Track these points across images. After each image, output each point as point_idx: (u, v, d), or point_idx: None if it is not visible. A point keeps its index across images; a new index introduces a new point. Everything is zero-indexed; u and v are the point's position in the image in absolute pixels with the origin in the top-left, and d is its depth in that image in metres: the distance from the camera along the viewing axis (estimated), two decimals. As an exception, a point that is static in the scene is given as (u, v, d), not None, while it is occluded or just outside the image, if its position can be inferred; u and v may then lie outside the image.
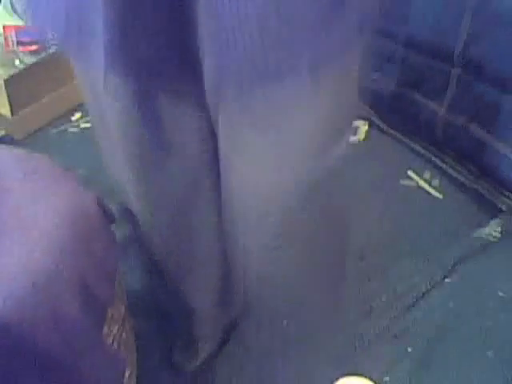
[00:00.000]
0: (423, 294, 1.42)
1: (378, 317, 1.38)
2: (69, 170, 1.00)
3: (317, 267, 1.01)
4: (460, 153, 1.78)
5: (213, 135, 0.89)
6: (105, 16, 0.70)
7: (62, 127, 1.98)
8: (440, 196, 1.68)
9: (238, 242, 0.98)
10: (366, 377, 1.21)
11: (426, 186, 1.71)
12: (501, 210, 1.61)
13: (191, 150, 0.92)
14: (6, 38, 2.03)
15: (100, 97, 0.87)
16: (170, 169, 0.93)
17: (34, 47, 2.04)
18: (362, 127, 1.91)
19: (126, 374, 1.05)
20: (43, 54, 1.99)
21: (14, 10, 2.11)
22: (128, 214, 1.05)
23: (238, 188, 0.91)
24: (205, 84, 0.78)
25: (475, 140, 1.64)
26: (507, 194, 1.65)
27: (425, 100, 1.75)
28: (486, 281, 1.44)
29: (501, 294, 1.41)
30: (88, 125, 1.99)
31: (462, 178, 1.72)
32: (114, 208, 1.02)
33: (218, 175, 0.93)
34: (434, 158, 1.79)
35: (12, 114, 1.88)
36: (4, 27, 2.03)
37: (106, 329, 0.96)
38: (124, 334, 1.06)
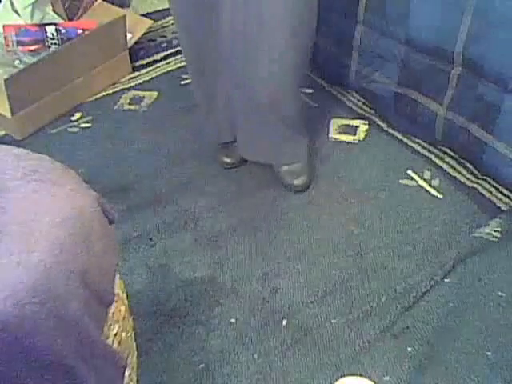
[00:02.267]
0: (423, 293, 1.42)
1: (378, 317, 1.38)
2: (69, 168, 1.00)
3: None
4: (460, 153, 1.78)
5: None
6: None
7: (62, 127, 1.98)
8: (440, 196, 1.68)
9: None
10: (365, 377, 1.21)
11: (426, 186, 1.71)
12: (501, 210, 1.62)
13: None
14: (5, 38, 2.03)
15: None
16: None
17: (33, 47, 2.04)
18: (362, 127, 1.92)
19: (126, 374, 1.05)
20: (43, 54, 1.99)
21: (14, 10, 2.11)
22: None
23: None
24: None
25: (475, 140, 1.64)
26: (507, 193, 1.66)
27: (425, 100, 1.75)
28: (486, 281, 1.44)
29: (501, 293, 1.41)
30: (88, 125, 1.99)
31: (461, 178, 1.73)
32: (113, 208, 1.02)
33: None
34: (434, 158, 1.80)
35: (12, 113, 1.88)
36: (4, 27, 2.03)
37: (106, 329, 0.96)
38: (124, 334, 1.06)
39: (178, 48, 2.33)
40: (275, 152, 1.70)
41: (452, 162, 1.78)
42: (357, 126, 1.92)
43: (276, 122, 1.61)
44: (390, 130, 1.90)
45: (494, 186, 1.68)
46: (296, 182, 1.70)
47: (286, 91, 1.55)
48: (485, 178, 1.71)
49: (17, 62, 2.00)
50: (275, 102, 1.54)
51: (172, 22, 2.50)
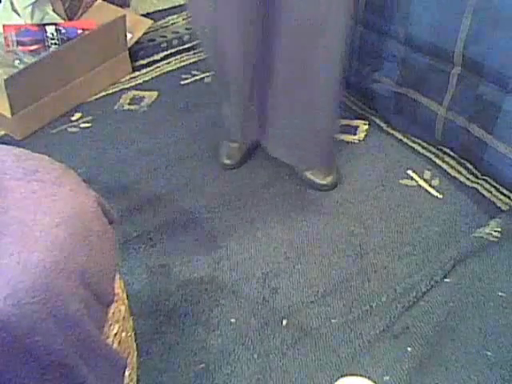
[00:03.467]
0: (423, 293, 1.42)
1: (378, 317, 1.38)
2: (69, 168, 1.00)
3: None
4: (460, 153, 1.78)
5: None
6: None
7: (62, 127, 1.98)
8: (440, 196, 1.68)
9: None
10: (365, 377, 1.21)
11: (426, 186, 1.71)
12: (501, 210, 1.62)
13: None
14: (5, 38, 2.03)
15: None
16: None
17: (33, 47, 2.04)
18: (362, 127, 1.92)
19: (126, 374, 1.05)
20: (43, 54, 1.99)
21: (14, 10, 2.11)
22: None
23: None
24: None
25: (475, 140, 1.64)
26: (507, 193, 1.66)
27: (425, 100, 1.75)
28: (486, 281, 1.44)
29: (501, 293, 1.41)
30: (88, 125, 1.99)
31: (461, 178, 1.73)
32: (113, 208, 1.02)
33: None
34: (434, 158, 1.80)
35: (12, 113, 1.88)
36: (4, 27, 2.03)
37: (106, 328, 0.96)
38: (124, 334, 1.06)
39: (178, 48, 2.33)
40: (305, 156, 1.71)
41: (452, 162, 1.78)
42: (357, 126, 1.92)
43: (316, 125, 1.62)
44: (390, 130, 1.90)
45: (493, 186, 1.68)
46: (323, 181, 1.71)
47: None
48: (485, 177, 1.71)
49: (17, 62, 2.00)
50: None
51: (172, 22, 2.50)
